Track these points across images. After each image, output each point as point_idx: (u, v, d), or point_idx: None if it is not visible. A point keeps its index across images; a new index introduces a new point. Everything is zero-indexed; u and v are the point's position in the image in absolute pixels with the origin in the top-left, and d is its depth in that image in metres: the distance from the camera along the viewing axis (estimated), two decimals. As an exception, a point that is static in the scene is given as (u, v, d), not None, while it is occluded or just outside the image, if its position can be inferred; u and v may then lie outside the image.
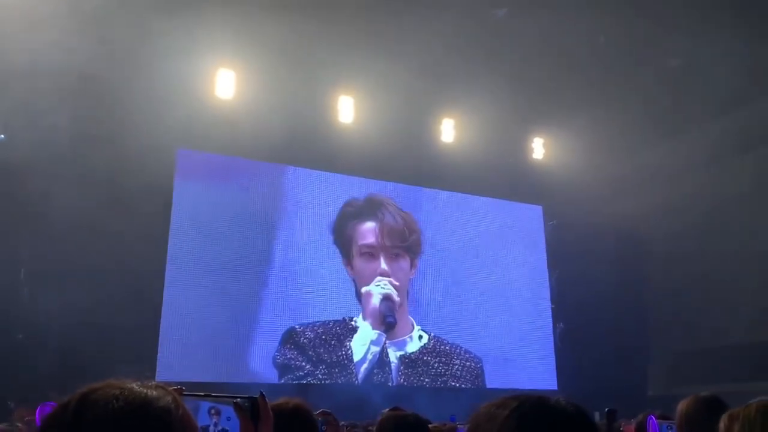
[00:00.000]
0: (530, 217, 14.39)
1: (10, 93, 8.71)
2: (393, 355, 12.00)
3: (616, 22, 10.41)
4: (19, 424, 5.84)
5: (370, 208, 12.49)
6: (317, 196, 12.29)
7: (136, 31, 9.75)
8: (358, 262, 12.10)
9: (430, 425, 3.86)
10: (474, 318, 13.00)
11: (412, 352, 12.21)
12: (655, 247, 14.51)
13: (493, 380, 12.76)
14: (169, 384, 1.25)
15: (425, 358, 12.31)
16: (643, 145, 13.78)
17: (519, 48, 11.03)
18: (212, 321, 10.78)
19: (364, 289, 11.93)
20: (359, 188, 12.64)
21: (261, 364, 11.12)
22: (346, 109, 12.23)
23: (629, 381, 12.97)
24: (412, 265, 12.53)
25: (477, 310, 13.08)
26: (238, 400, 1.53)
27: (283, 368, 11.24)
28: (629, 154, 14.04)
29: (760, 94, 11.91)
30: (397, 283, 12.06)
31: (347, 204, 12.43)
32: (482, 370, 12.79)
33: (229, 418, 1.52)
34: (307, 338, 11.48)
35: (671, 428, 3.09)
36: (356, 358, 11.72)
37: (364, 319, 11.87)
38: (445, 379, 12.42)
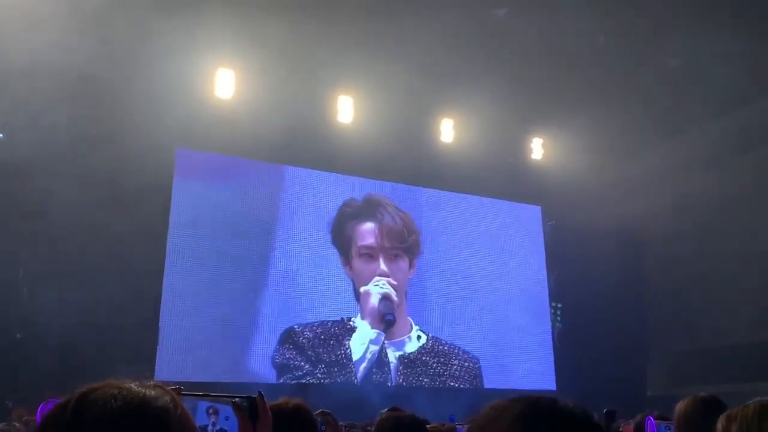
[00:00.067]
0: (529, 218, 14.39)
1: (10, 92, 8.71)
2: (392, 355, 12.01)
3: (616, 22, 10.42)
4: (17, 424, 5.83)
5: (368, 208, 12.49)
6: (316, 196, 12.28)
7: (136, 31, 9.75)
8: (358, 263, 12.10)
9: (428, 425, 3.85)
10: (472, 318, 13.00)
11: (411, 353, 12.21)
12: (654, 248, 14.52)
13: (492, 380, 12.76)
14: (168, 384, 1.25)
15: (424, 358, 12.31)
16: (642, 146, 13.79)
17: (518, 48, 11.03)
18: (211, 321, 10.77)
19: (362, 289, 11.93)
20: (358, 188, 12.63)
21: (260, 363, 11.12)
22: (346, 109, 12.22)
23: (628, 381, 12.98)
24: (410, 266, 12.53)
25: (475, 310, 13.07)
26: (237, 399, 1.53)
27: (282, 368, 11.24)
28: (629, 154, 14.05)
29: (760, 94, 11.92)
30: (395, 283, 12.06)
31: (346, 204, 12.42)
32: (480, 371, 12.79)
33: (227, 418, 1.53)
34: (305, 338, 11.48)
35: (669, 429, 3.09)
36: (355, 357, 11.72)
37: (363, 318, 11.87)
38: (443, 379, 12.43)
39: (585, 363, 12.52)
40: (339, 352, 11.66)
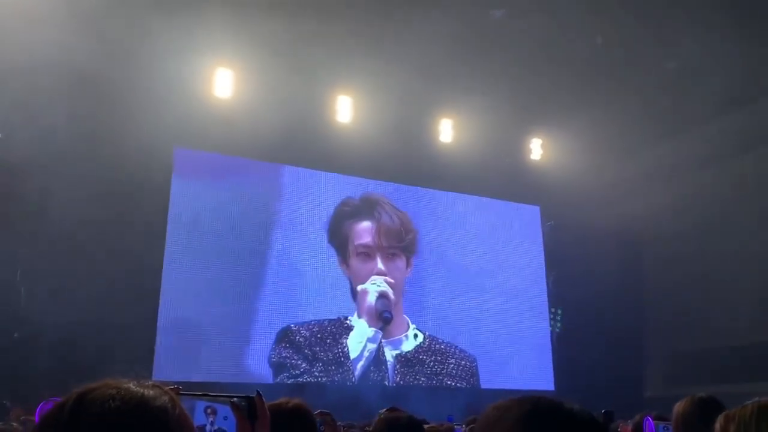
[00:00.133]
0: (528, 218, 14.39)
1: (8, 91, 8.69)
2: (389, 354, 12.01)
3: (615, 23, 10.42)
4: (14, 424, 5.82)
5: (366, 207, 12.48)
6: (315, 196, 12.28)
7: (136, 30, 9.74)
8: (355, 262, 12.10)
9: (426, 425, 3.86)
10: (470, 318, 13.00)
11: (408, 351, 12.21)
12: (653, 248, 14.53)
13: (490, 380, 12.77)
14: (166, 383, 1.25)
15: (421, 357, 12.32)
16: (641, 146, 13.80)
17: (517, 49, 11.02)
18: (209, 320, 10.78)
19: (359, 287, 11.93)
20: (357, 188, 12.63)
21: (257, 363, 11.12)
22: (345, 109, 12.22)
23: (626, 381, 12.99)
24: (408, 265, 12.54)
25: (473, 309, 13.08)
26: (235, 399, 1.53)
27: (279, 367, 11.23)
28: (627, 154, 14.06)
29: (759, 94, 11.92)
30: (392, 281, 12.07)
31: (343, 203, 12.42)
32: (477, 369, 12.80)
33: (225, 418, 1.52)
34: (302, 337, 11.47)
35: (668, 429, 3.10)
36: (353, 355, 11.72)
37: (360, 317, 11.87)
38: (440, 378, 12.43)
39: (583, 363, 12.52)
40: (336, 351, 11.66)
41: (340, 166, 12.36)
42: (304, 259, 11.86)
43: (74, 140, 9.75)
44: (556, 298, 14.06)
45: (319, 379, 11.39)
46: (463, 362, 12.71)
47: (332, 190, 12.47)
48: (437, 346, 12.54)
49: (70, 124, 9.69)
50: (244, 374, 10.98)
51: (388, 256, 12.25)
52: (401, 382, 11.96)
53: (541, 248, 14.31)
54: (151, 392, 1.12)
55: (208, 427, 1.52)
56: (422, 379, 12.22)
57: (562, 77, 11.56)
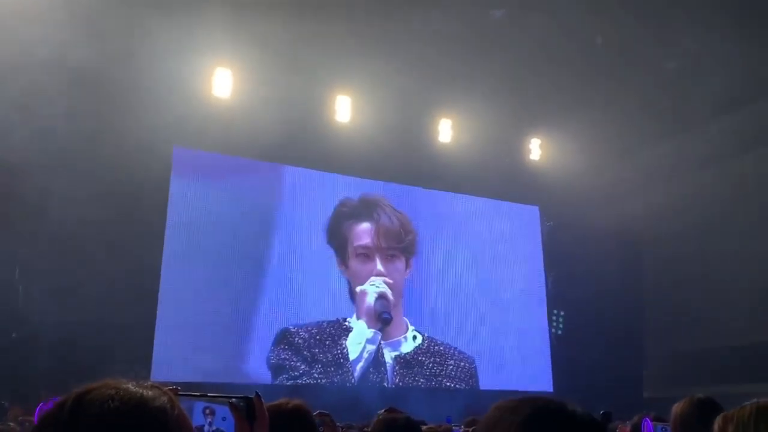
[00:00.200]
0: (527, 218, 14.39)
1: (5, 89, 8.68)
2: (388, 356, 12.01)
3: (614, 23, 10.42)
4: (12, 424, 5.82)
5: (365, 208, 12.47)
6: (314, 196, 12.28)
7: (135, 30, 9.75)
8: (354, 263, 12.09)
9: (425, 426, 3.86)
10: (469, 319, 13.01)
11: (407, 353, 12.21)
12: (653, 248, 14.54)
13: (489, 381, 12.76)
14: (164, 384, 1.25)
15: (420, 358, 12.31)
16: (641, 146, 13.81)
17: (516, 49, 11.03)
18: (207, 320, 10.76)
19: (358, 288, 11.92)
20: (356, 188, 12.62)
21: (256, 364, 11.11)
22: (344, 109, 12.22)
23: (625, 382, 12.99)
24: (407, 266, 12.53)
25: (472, 310, 13.09)
26: (234, 400, 1.53)
27: (277, 369, 11.22)
28: (627, 154, 14.07)
29: (759, 94, 11.92)
30: (391, 281, 12.06)
31: (342, 204, 12.41)
32: (476, 371, 12.80)
33: (224, 418, 1.52)
34: (301, 338, 11.47)
35: (666, 430, 3.09)
36: (352, 356, 11.72)
37: (359, 318, 11.87)
38: (439, 379, 12.43)
39: (582, 363, 12.53)
40: (335, 352, 11.66)
41: (339, 166, 12.36)
42: (303, 260, 11.85)
43: (74, 139, 9.74)
44: (556, 298, 14.06)
45: (319, 380, 11.39)
46: (462, 363, 12.71)
47: (331, 190, 12.46)
48: (436, 347, 12.54)
49: (69, 124, 9.68)
50: (243, 375, 10.97)
51: (388, 258, 12.24)
52: (400, 384, 11.96)
53: (540, 249, 14.31)
54: (150, 393, 1.12)
55: (206, 428, 1.52)
56: (421, 380, 12.22)
57: (561, 77, 11.57)
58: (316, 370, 11.45)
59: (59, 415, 1.06)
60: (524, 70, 11.43)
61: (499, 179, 13.23)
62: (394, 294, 12.03)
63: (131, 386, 1.11)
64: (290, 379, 11.20)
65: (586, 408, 1.21)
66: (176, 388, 1.32)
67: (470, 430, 4.43)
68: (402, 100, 11.95)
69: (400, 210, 12.75)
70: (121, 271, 9.64)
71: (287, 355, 11.31)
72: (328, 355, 11.59)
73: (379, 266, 12.08)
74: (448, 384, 12.50)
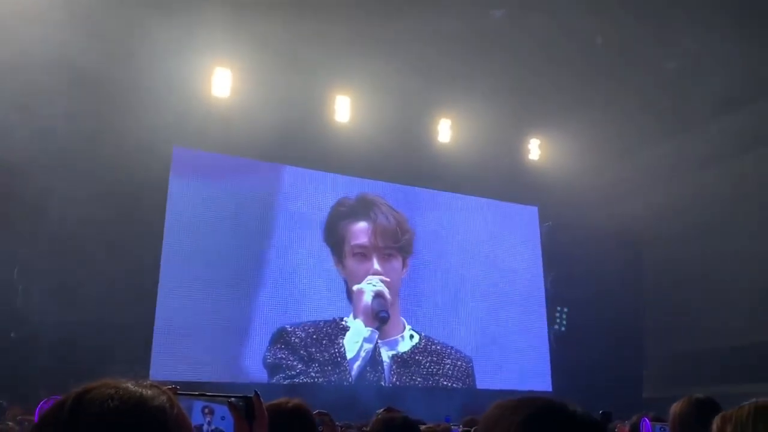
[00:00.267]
0: (526, 218, 14.38)
1: (5, 89, 8.68)
2: (385, 355, 12.00)
3: (614, 23, 10.43)
4: (10, 423, 5.81)
5: (362, 207, 12.47)
6: (313, 196, 12.28)
7: (134, 30, 9.74)
8: (351, 262, 12.09)
9: (423, 426, 3.86)
10: (468, 318, 13.00)
11: (404, 352, 12.21)
12: (651, 249, 14.53)
13: (487, 381, 12.76)
14: (164, 383, 1.25)
15: (417, 357, 12.31)
16: (640, 146, 13.81)
17: (516, 49, 11.03)
18: (206, 319, 10.77)
19: (355, 287, 11.91)
20: (355, 188, 12.62)
21: (254, 364, 11.11)
22: (343, 109, 12.23)
23: (624, 382, 12.98)
24: (404, 265, 12.52)
25: (471, 310, 13.08)
26: (233, 399, 1.53)
27: (274, 368, 11.21)
28: (626, 155, 14.07)
29: (759, 94, 11.92)
30: (388, 280, 12.06)
31: (339, 203, 12.40)
32: (473, 370, 12.79)
33: (223, 418, 1.52)
34: (298, 338, 11.46)
35: (665, 430, 3.10)
36: (349, 355, 11.71)
37: (356, 317, 11.86)
38: (436, 378, 12.43)
39: (581, 363, 12.52)
40: (333, 351, 11.66)
41: (338, 166, 12.36)
42: (302, 260, 11.85)
43: (73, 139, 9.73)
44: (555, 298, 14.06)
45: (316, 379, 11.38)
46: (459, 363, 12.71)
47: (330, 189, 12.46)
48: (433, 346, 12.54)
49: (69, 124, 9.67)
50: (241, 375, 10.97)
51: (384, 257, 12.24)
52: (397, 383, 11.96)
53: (539, 249, 14.30)
54: (150, 392, 1.12)
55: (205, 427, 1.52)
56: (418, 379, 12.21)
57: (560, 77, 11.57)
58: (313, 369, 11.44)
59: (59, 415, 1.06)
60: (524, 71, 11.43)
61: (499, 179, 13.23)
62: (391, 293, 12.03)
63: (131, 385, 1.12)
64: (287, 379, 11.19)
65: (586, 408, 1.21)
66: (175, 388, 1.32)
67: (469, 429, 4.43)
68: (401, 100, 11.95)
69: (398, 209, 12.75)
70: (120, 271, 9.64)
71: (284, 354, 11.31)
72: (325, 354, 11.59)
73: (376, 265, 12.08)
74: (445, 383, 12.50)
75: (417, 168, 12.83)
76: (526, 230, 14.30)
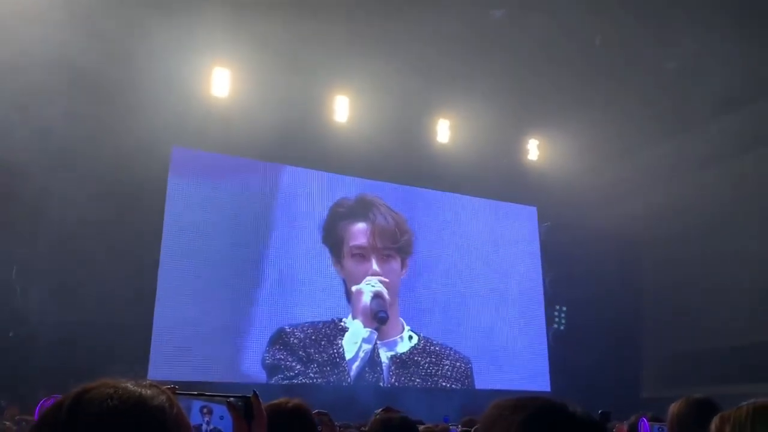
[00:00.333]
0: (525, 218, 14.39)
1: (4, 88, 8.67)
2: (384, 356, 12.01)
3: (614, 23, 10.42)
4: (8, 423, 5.81)
5: (361, 208, 12.48)
6: (312, 196, 12.28)
7: (133, 29, 9.74)
8: (349, 263, 12.09)
9: (422, 426, 3.86)
10: (467, 319, 13.01)
11: (403, 353, 12.21)
12: (650, 249, 14.53)
13: (486, 381, 12.76)
14: (163, 383, 1.25)
15: (415, 358, 12.31)
16: (640, 147, 13.80)
17: (515, 49, 11.02)
18: (204, 320, 10.76)
19: (354, 288, 11.93)
20: (354, 188, 12.63)
21: (252, 364, 11.10)
22: (342, 109, 12.23)
23: (623, 382, 13.00)
24: (402, 266, 12.53)
25: (470, 310, 13.09)
26: (232, 399, 1.53)
27: (272, 369, 11.21)
28: (625, 155, 14.07)
29: (759, 94, 11.91)
30: (387, 280, 12.06)
31: (337, 204, 12.41)
32: (471, 371, 12.80)
33: (221, 417, 1.52)
34: (296, 338, 11.46)
35: (663, 430, 3.10)
36: (348, 356, 11.72)
37: (354, 317, 11.87)
38: (435, 379, 12.44)
39: (579, 364, 12.52)
40: (331, 352, 11.66)
41: (337, 166, 12.37)
42: (300, 260, 11.86)
43: (72, 139, 9.73)
44: (554, 299, 14.07)
45: (314, 380, 11.38)
46: (457, 364, 12.71)
47: (329, 190, 12.46)
48: (432, 347, 12.54)
49: (68, 123, 9.67)
50: (239, 375, 10.97)
51: (383, 258, 12.24)
52: (396, 384, 11.96)
53: (538, 249, 14.32)
54: (149, 392, 1.12)
55: (204, 427, 1.51)
56: (417, 380, 12.22)
57: (559, 78, 11.57)
58: (312, 369, 11.44)
59: (58, 414, 1.06)
60: (523, 71, 11.43)
61: (497, 180, 13.24)
62: (390, 294, 12.03)
63: (130, 385, 1.12)
64: (286, 379, 11.19)
65: (584, 408, 1.21)
66: (174, 388, 1.32)
67: (468, 429, 4.43)
68: (400, 100, 11.95)
69: (397, 210, 12.75)
70: (119, 271, 9.63)
71: (282, 355, 11.31)
72: (324, 354, 11.59)
73: (375, 266, 12.09)
74: (443, 384, 12.51)
75: (416, 168, 12.84)
76: (525, 230, 14.31)
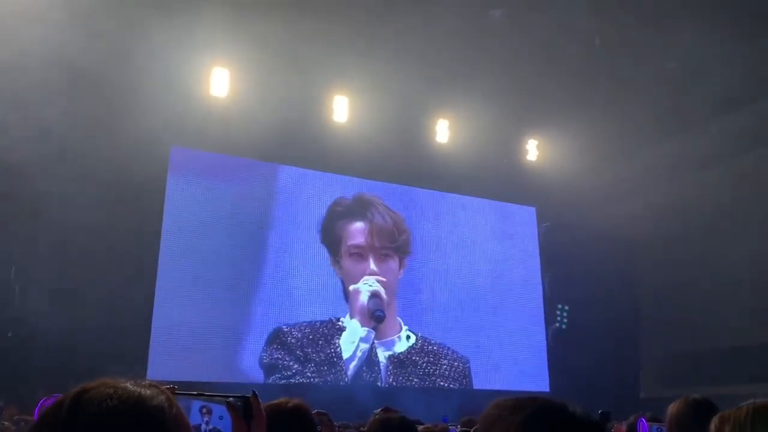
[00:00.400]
0: (524, 219, 14.39)
1: (3, 88, 8.66)
2: (382, 355, 12.00)
3: (612, 24, 10.42)
4: (6, 423, 5.81)
5: (359, 207, 12.48)
6: (311, 196, 12.28)
7: (132, 29, 9.74)
8: (347, 263, 12.09)
9: (421, 426, 3.86)
10: (465, 319, 13.00)
11: (401, 352, 12.21)
12: (649, 249, 14.53)
13: (485, 381, 12.76)
14: (162, 383, 1.25)
15: (413, 358, 12.31)
16: (639, 147, 13.81)
17: (514, 49, 11.02)
18: (203, 319, 10.76)
19: (351, 287, 11.93)
20: (353, 188, 12.62)
21: (251, 363, 11.10)
22: (341, 109, 12.22)
23: (621, 382, 13.00)
24: (400, 266, 12.53)
25: (468, 310, 13.08)
26: (231, 399, 1.53)
27: (270, 368, 11.21)
28: (624, 156, 14.07)
29: (759, 94, 11.91)
30: (384, 280, 12.06)
31: (336, 203, 12.41)
32: (469, 371, 12.80)
33: (221, 417, 1.52)
34: (294, 338, 11.46)
35: (661, 430, 3.10)
36: (345, 355, 11.71)
37: (352, 317, 11.87)
38: (433, 379, 12.43)
39: (578, 364, 12.52)
40: (329, 351, 11.65)
41: (336, 166, 12.37)
42: (299, 260, 11.85)
43: (72, 139, 9.73)
44: (552, 299, 14.07)
45: (312, 379, 11.38)
46: (455, 363, 12.71)
47: (328, 190, 12.46)
48: (430, 347, 12.54)
49: (67, 123, 9.67)
50: (237, 374, 10.96)
51: (381, 257, 12.24)
52: (394, 383, 11.96)
53: (537, 249, 14.31)
54: (148, 392, 1.12)
55: (203, 427, 1.51)
56: (415, 380, 12.21)
57: (559, 78, 11.57)
58: (309, 369, 11.43)
59: (58, 414, 1.06)
60: (522, 71, 11.43)
61: (496, 180, 13.25)
62: (387, 293, 12.03)
63: (129, 385, 1.11)
64: (283, 379, 11.19)
65: (583, 408, 1.21)
66: (174, 387, 1.32)
67: (468, 430, 4.43)
68: (399, 100, 11.96)
69: (395, 210, 12.75)
70: (118, 271, 9.64)
71: (280, 354, 11.30)
72: (321, 354, 11.59)
73: (373, 266, 12.08)
74: (441, 384, 12.50)
75: (415, 168, 12.84)
76: (524, 231, 14.31)
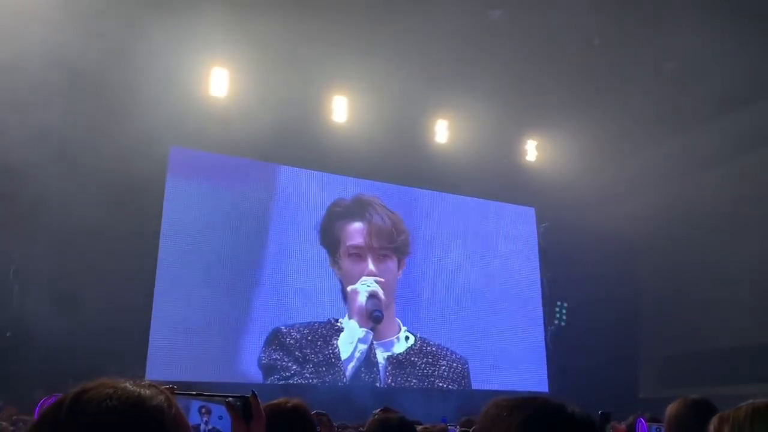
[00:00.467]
0: (523, 219, 14.39)
1: (3, 88, 8.66)
2: (380, 356, 11.99)
3: (612, 24, 10.42)
4: (4, 423, 5.80)
5: (358, 208, 12.47)
6: (310, 196, 12.27)
7: (131, 29, 9.73)
8: (346, 263, 12.08)
9: (420, 427, 3.86)
10: (464, 319, 13.00)
11: (399, 353, 12.20)
12: (648, 250, 14.53)
13: (484, 381, 12.76)
14: (161, 383, 1.25)
15: (412, 359, 12.30)
16: (638, 147, 13.80)
17: (513, 49, 11.02)
18: (202, 319, 10.76)
19: (350, 288, 11.92)
20: (352, 188, 12.62)
21: (250, 364, 11.10)
22: (340, 109, 12.22)
23: (620, 383, 12.99)
24: (399, 266, 12.52)
25: (467, 311, 13.08)
26: (230, 399, 1.53)
27: (269, 369, 11.21)
28: (623, 156, 14.06)
29: (759, 94, 11.91)
30: (383, 280, 12.05)
31: (335, 204, 12.41)
32: (468, 371, 12.80)
33: (220, 417, 1.52)
34: (292, 339, 11.46)
35: (660, 431, 3.10)
36: (344, 356, 11.71)
37: (350, 317, 11.86)
38: (432, 379, 12.43)
39: (577, 364, 12.53)
40: (327, 352, 11.64)
41: (336, 166, 12.37)
42: (297, 260, 11.85)
43: (71, 139, 9.72)
44: (551, 299, 14.07)
45: (310, 380, 11.38)
46: (454, 364, 12.71)
47: (327, 190, 12.46)
48: (428, 348, 12.53)
49: (66, 123, 9.67)
50: (236, 375, 10.96)
51: (380, 257, 12.23)
52: (392, 384, 11.95)
53: (536, 250, 14.31)
54: (148, 392, 1.12)
55: (202, 427, 1.51)
56: (413, 380, 12.21)
57: (558, 78, 11.56)
58: (308, 370, 11.43)
59: (57, 414, 1.06)
60: (521, 71, 11.42)
61: (496, 180, 13.24)
62: (386, 294, 12.03)
63: (129, 385, 1.12)
64: (282, 380, 11.19)
65: (582, 408, 1.21)
66: (173, 387, 1.32)
67: (467, 430, 4.43)
68: (398, 100, 11.95)
69: (394, 210, 12.74)
70: (117, 271, 9.63)
71: (278, 355, 11.30)
72: (320, 355, 11.58)
73: (371, 266, 12.08)
74: (440, 385, 12.50)
75: (414, 168, 12.83)
76: (523, 231, 14.31)
